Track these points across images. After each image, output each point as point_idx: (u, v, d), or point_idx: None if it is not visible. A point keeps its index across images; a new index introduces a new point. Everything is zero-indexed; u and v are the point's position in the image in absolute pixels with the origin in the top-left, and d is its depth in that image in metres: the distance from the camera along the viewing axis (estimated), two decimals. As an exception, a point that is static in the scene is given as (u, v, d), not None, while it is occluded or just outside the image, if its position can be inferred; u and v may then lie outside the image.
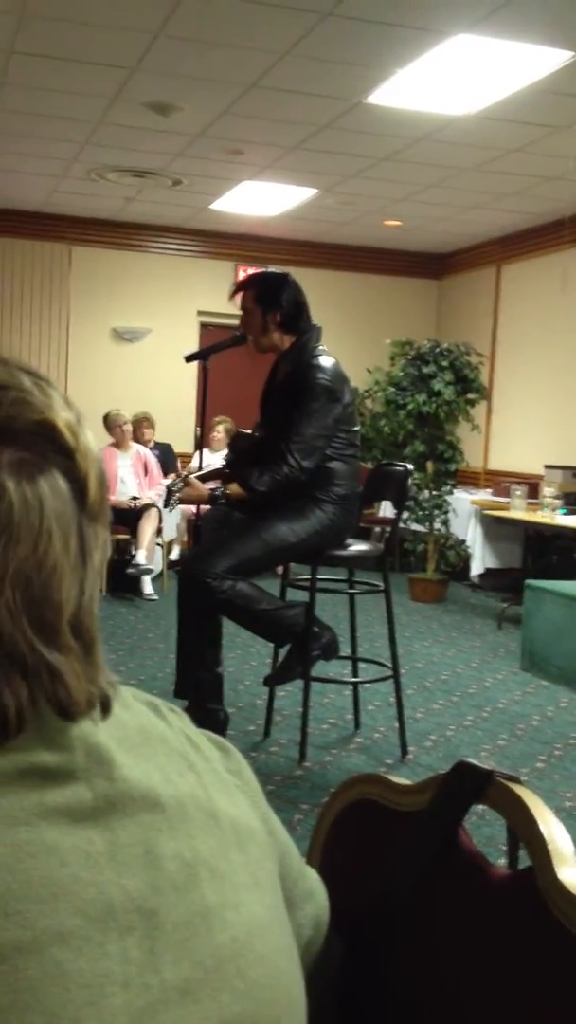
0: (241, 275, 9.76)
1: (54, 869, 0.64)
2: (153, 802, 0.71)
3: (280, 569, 4.64)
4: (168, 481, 4.18)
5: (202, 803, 0.75)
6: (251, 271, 8.30)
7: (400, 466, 4.32)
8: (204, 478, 4.12)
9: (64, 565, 0.68)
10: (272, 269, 4.12)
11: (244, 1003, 0.70)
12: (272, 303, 3.89)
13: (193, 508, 4.72)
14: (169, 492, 4.04)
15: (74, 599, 0.68)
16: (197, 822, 0.73)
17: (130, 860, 0.68)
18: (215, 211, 9.16)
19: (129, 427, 8.24)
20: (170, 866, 0.70)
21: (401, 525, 8.36)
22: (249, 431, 4.15)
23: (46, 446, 0.68)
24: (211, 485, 4.03)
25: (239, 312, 4.04)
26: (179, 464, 8.87)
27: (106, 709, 0.71)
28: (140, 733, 0.75)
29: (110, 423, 8.12)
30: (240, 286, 4.02)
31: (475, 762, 0.96)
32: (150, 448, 8.71)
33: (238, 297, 4.01)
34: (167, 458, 8.96)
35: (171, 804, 0.72)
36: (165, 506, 4.17)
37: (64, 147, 7.35)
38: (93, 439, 0.72)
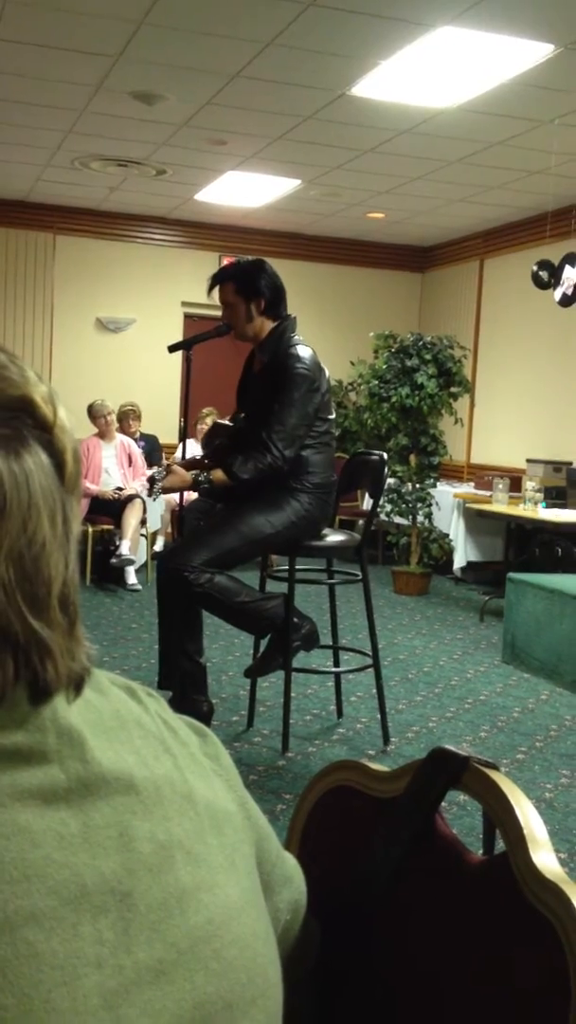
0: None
1: (27, 850, 0.64)
2: (127, 784, 0.71)
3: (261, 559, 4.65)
4: (152, 471, 4.17)
5: (178, 786, 0.75)
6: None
7: (376, 455, 4.33)
8: (187, 467, 4.11)
9: (51, 540, 0.68)
10: (246, 258, 4.10)
11: (219, 984, 0.71)
12: (253, 291, 3.90)
13: (177, 498, 4.72)
14: (152, 481, 4.03)
15: (61, 573, 0.69)
16: (173, 805, 0.73)
17: (104, 842, 0.68)
18: (199, 202, 9.14)
19: (113, 417, 8.22)
20: (145, 848, 0.70)
21: (384, 518, 8.41)
22: (228, 422, 4.15)
23: (26, 422, 0.68)
24: (193, 472, 4.02)
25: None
26: (164, 456, 8.85)
27: (79, 688, 0.71)
28: (115, 717, 0.75)
29: (94, 413, 8.10)
30: (217, 279, 3.99)
31: (452, 748, 0.97)
32: (136, 440, 8.70)
33: (216, 292, 3.99)
34: (153, 450, 8.94)
35: (146, 787, 0.72)
36: (149, 495, 4.17)
37: (48, 135, 7.32)
38: (68, 415, 0.72)
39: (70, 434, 0.71)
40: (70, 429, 0.71)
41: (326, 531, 4.07)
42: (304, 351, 3.89)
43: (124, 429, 8.80)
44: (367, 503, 9.09)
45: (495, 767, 0.95)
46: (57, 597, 0.68)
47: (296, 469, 3.87)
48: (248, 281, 3.91)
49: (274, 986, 0.77)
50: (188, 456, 4.49)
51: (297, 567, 4.06)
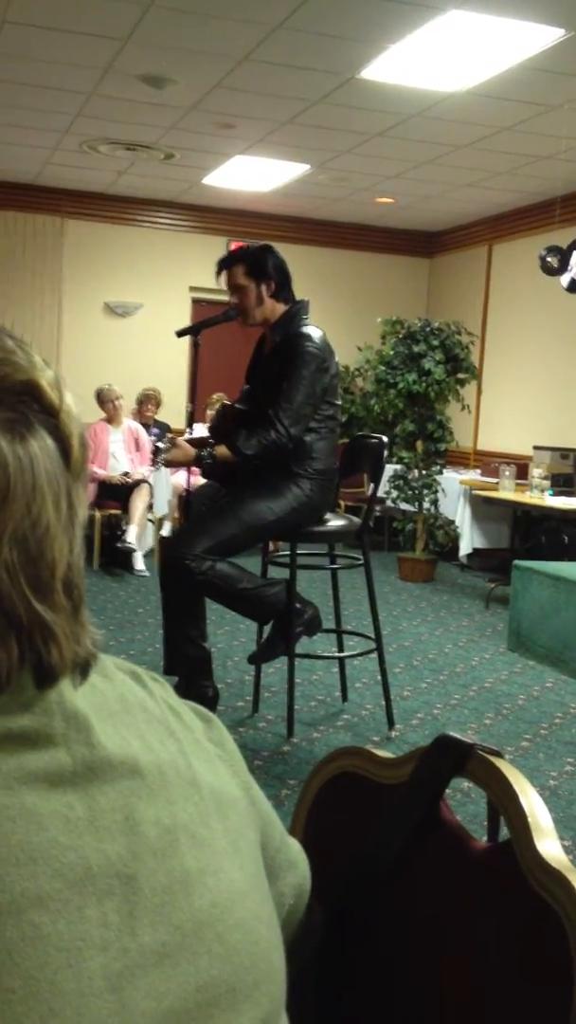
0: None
1: (33, 833, 0.65)
2: (132, 768, 0.71)
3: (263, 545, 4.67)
4: (158, 443, 4.19)
5: (182, 771, 0.75)
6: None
7: (375, 438, 4.32)
8: (193, 443, 4.12)
9: (56, 524, 0.68)
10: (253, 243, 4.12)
11: (222, 967, 0.71)
12: (263, 274, 3.91)
13: (184, 483, 4.72)
14: (156, 451, 4.04)
15: (65, 557, 0.69)
16: (177, 789, 0.74)
17: (110, 825, 0.69)
18: (207, 186, 9.11)
19: (121, 403, 8.21)
20: (150, 832, 0.70)
21: (390, 504, 8.40)
22: (236, 403, 4.15)
23: (32, 406, 0.68)
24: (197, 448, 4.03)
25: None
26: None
27: (84, 673, 0.71)
28: (120, 702, 0.75)
29: (102, 398, 8.09)
30: (226, 262, 4.00)
31: (457, 735, 0.97)
32: (151, 426, 8.70)
33: (224, 276, 4.00)
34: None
35: (151, 771, 0.72)
36: (152, 464, 4.19)
37: (57, 118, 7.30)
38: (74, 400, 0.72)
39: (77, 420, 0.71)
40: (77, 415, 0.72)
41: (327, 516, 4.07)
42: (314, 332, 3.90)
43: (143, 413, 8.79)
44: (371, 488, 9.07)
45: (500, 755, 0.95)
46: (61, 581, 0.69)
47: (299, 454, 3.87)
48: (258, 264, 3.92)
49: (277, 970, 0.77)
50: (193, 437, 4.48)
51: (299, 552, 4.06)
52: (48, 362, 0.73)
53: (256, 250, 4.00)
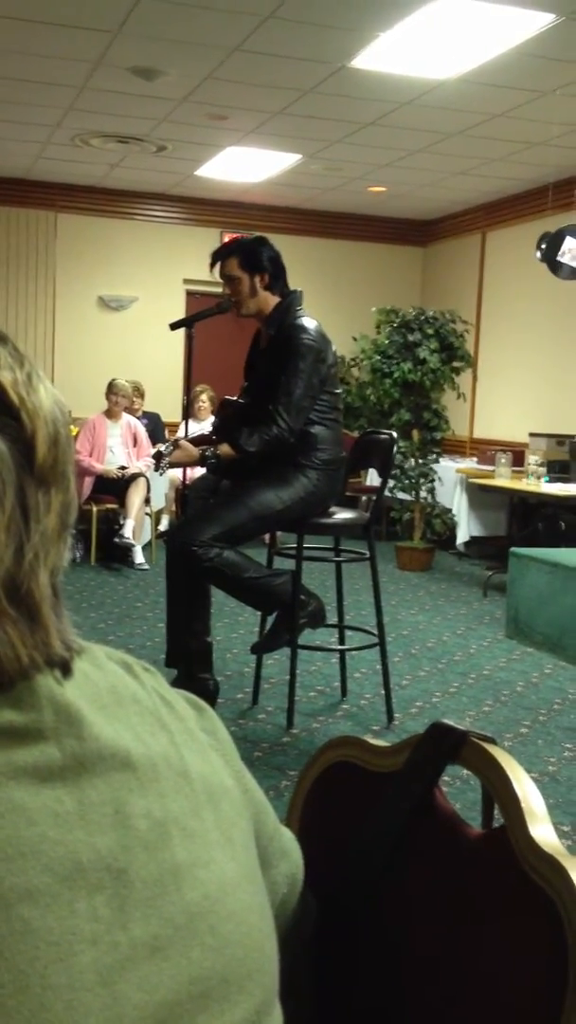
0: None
1: (22, 828, 0.65)
2: (123, 761, 0.71)
3: (267, 538, 4.68)
4: (160, 446, 4.18)
5: (174, 762, 0.75)
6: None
7: (385, 434, 4.33)
8: (194, 442, 4.12)
9: None
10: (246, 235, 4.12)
11: (215, 959, 0.71)
12: (256, 266, 3.92)
13: (181, 476, 4.73)
14: (159, 455, 4.04)
15: (8, 561, 0.67)
16: (168, 781, 0.73)
17: (100, 819, 0.68)
18: (200, 177, 9.09)
19: (122, 400, 8.20)
20: (140, 825, 0.70)
21: (387, 494, 8.39)
22: (235, 397, 4.15)
23: None
24: (201, 448, 4.04)
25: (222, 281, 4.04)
26: (167, 433, 8.82)
27: (65, 671, 0.70)
28: (111, 692, 0.75)
29: (111, 390, 8.05)
30: (220, 255, 4.01)
31: (450, 723, 0.97)
32: (138, 418, 8.69)
33: (218, 268, 4.01)
34: (155, 427, 8.93)
35: (142, 763, 0.72)
36: (156, 469, 4.18)
37: (48, 112, 7.28)
38: (49, 399, 0.70)
39: (46, 420, 0.69)
40: (50, 414, 0.70)
41: (334, 508, 4.08)
42: (310, 323, 3.91)
43: (127, 406, 8.76)
44: (370, 478, 9.08)
45: (493, 741, 0.96)
46: (3, 586, 0.67)
47: (304, 445, 3.88)
48: (251, 256, 3.92)
49: (270, 960, 0.77)
50: (189, 434, 4.48)
51: (305, 544, 4.06)
52: (24, 359, 0.71)
53: (250, 242, 4.00)
